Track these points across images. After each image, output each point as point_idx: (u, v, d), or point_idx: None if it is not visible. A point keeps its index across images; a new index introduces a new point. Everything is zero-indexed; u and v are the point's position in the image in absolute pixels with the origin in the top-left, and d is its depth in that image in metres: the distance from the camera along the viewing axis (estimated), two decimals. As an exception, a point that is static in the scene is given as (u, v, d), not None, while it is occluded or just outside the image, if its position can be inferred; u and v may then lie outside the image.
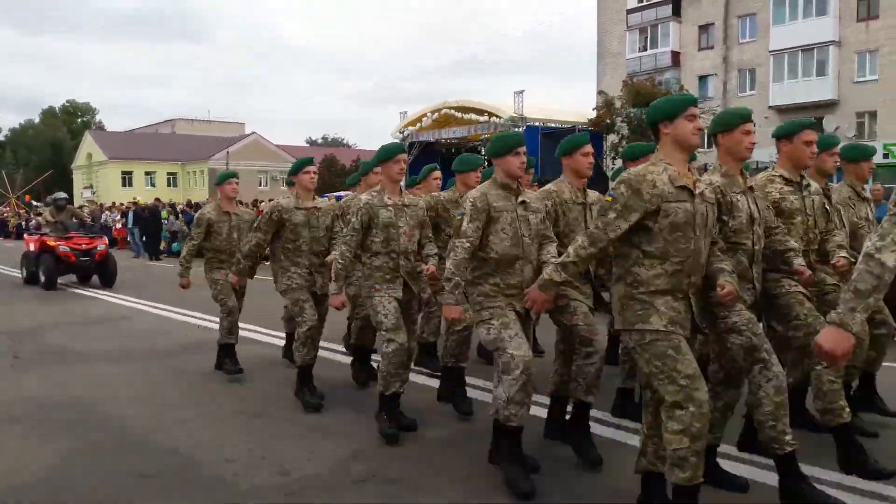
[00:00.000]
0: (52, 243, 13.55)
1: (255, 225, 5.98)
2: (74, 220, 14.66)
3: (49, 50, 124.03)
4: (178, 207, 25.40)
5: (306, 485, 4.06)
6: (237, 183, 7.09)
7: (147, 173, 63.42)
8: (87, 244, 13.84)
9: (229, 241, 6.74)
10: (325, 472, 4.23)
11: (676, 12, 37.65)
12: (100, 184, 62.49)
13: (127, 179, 61.98)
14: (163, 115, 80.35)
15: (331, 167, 53.04)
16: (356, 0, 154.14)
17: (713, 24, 36.64)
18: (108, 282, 14.07)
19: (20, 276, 14.68)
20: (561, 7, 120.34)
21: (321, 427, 5.05)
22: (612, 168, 26.62)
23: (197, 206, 23.14)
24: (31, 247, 14.40)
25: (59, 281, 14.00)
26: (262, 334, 8.70)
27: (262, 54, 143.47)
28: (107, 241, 14.78)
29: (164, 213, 24.02)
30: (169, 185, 63.03)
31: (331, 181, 49.01)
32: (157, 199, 26.80)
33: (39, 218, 18.87)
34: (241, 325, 9.21)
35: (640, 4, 38.61)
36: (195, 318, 10.01)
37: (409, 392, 5.91)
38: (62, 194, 15.51)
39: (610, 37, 40.65)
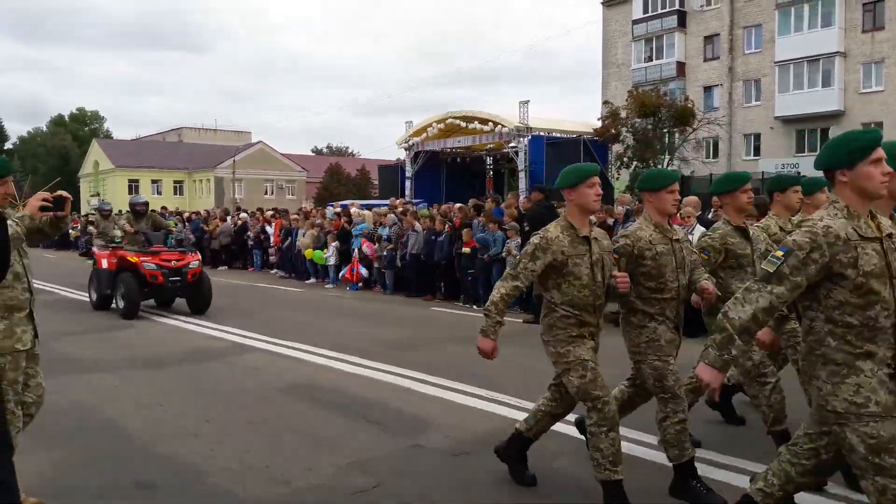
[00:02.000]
0: (133, 259, 10.94)
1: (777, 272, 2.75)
2: (160, 231, 11.82)
3: (52, 60, 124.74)
4: (185, 215, 25.45)
5: (306, 495, 4.05)
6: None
7: (154, 181, 63.63)
8: (177, 261, 11.06)
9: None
10: (325, 483, 4.22)
11: (682, 23, 37.73)
12: (107, 192, 62.67)
13: (133, 187, 62.11)
14: (169, 124, 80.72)
15: (336, 176, 53.19)
16: (353, 14, 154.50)
17: (718, 34, 36.70)
18: (200, 308, 11.24)
19: (87, 299, 12.14)
20: (566, 18, 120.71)
21: (322, 437, 5.05)
22: (617, 178, 26.66)
23: (206, 216, 23.03)
24: (104, 264, 11.58)
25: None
26: (261, 342, 8.70)
27: (262, 66, 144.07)
28: (200, 257, 11.84)
29: (172, 222, 24.07)
30: (175, 193, 63.26)
31: (336, 190, 49.17)
32: (164, 208, 26.87)
33: (92, 227, 15.91)
34: (239, 332, 9.29)
35: (646, 15, 38.70)
36: (197, 326, 10.02)
37: (411, 400, 5.91)
38: (141, 197, 12.60)
39: (615, 47, 40.76)
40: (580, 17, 72.87)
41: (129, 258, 11.03)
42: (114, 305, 11.38)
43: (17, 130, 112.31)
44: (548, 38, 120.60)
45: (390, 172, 31.29)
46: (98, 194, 62.96)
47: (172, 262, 10.98)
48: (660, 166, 26.00)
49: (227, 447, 4.83)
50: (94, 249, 13.16)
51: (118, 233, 12.93)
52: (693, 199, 10.65)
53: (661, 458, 4.59)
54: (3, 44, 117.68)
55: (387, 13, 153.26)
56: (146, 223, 11.82)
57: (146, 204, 12.25)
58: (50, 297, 13.68)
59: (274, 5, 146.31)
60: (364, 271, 15.02)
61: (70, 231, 31.46)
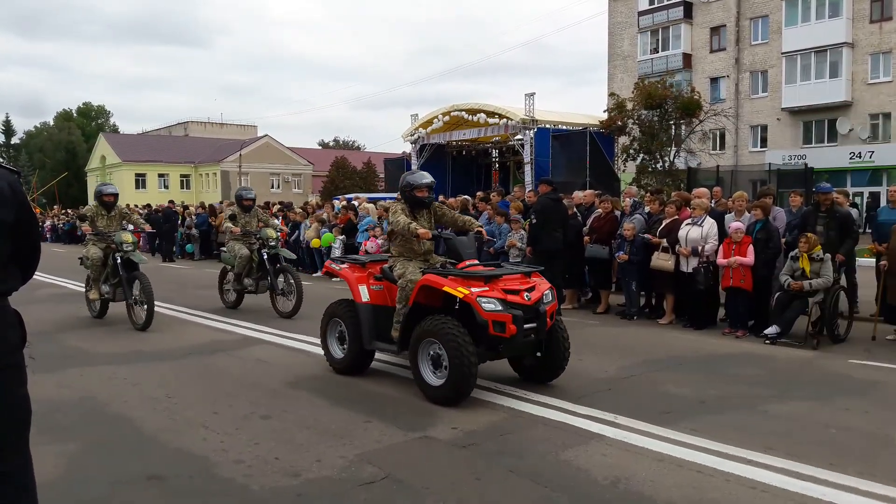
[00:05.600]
0: (461, 292, 5.71)
1: None
2: (464, 235, 6.58)
3: (53, 55, 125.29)
4: (192, 209, 25.52)
5: (316, 487, 4.07)
6: None
7: (160, 175, 63.84)
8: (528, 291, 5.90)
9: None
10: (334, 474, 4.24)
11: (688, 14, 37.55)
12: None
13: (140, 181, 62.40)
14: (174, 119, 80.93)
15: (342, 169, 53.26)
16: (355, 9, 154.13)
17: (725, 25, 36.52)
18: (552, 372, 6.32)
19: (324, 353, 7.06)
20: (570, 10, 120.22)
21: (331, 429, 5.07)
22: (623, 170, 26.58)
23: (211, 209, 23.11)
24: (366, 295, 6.61)
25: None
26: (270, 335, 8.74)
27: (266, 61, 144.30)
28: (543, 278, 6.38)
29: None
30: (182, 187, 63.44)
31: (342, 183, 49.22)
32: (171, 202, 26.95)
33: (230, 224, 10.83)
34: (248, 325, 9.32)
35: (652, 6, 38.53)
36: (207, 319, 10.06)
37: (419, 393, 5.93)
38: (423, 177, 6.60)
39: (621, 39, 40.60)
40: (585, 9, 72.61)
41: (446, 287, 5.80)
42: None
43: (20, 125, 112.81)
44: (552, 32, 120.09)
45: (396, 165, 31.29)
46: (105, 188, 63.12)
47: (524, 295, 5.83)
48: (667, 158, 25.94)
49: (237, 439, 4.86)
50: (332, 265, 7.25)
51: (272, 232, 10.65)
52: (703, 190, 10.62)
53: (664, 447, 4.60)
54: (5, 39, 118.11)
55: (389, 7, 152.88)
56: (429, 218, 6.66)
57: (430, 184, 6.58)
58: (57, 290, 13.76)
59: (275, 1, 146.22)
60: (369, 264, 15.03)
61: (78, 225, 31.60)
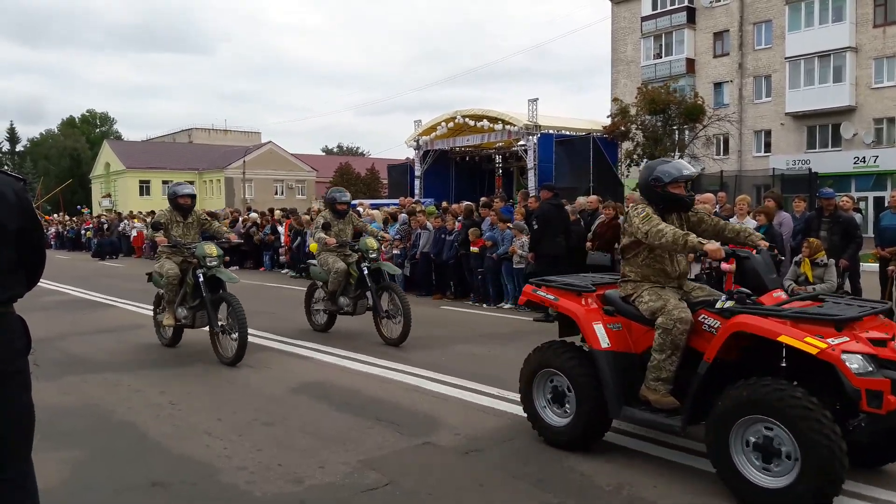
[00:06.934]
0: (809, 345, 3.64)
1: None
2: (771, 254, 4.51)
3: (55, 62, 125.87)
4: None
5: (319, 493, 4.07)
6: None
7: (164, 182, 63.88)
8: (889, 334, 3.84)
9: None
10: (337, 481, 4.24)
11: (691, 19, 37.58)
12: (118, 193, 63.12)
13: (145, 188, 62.55)
14: (177, 126, 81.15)
15: (345, 176, 53.33)
16: (355, 15, 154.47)
17: (728, 30, 36.53)
18: (890, 453, 4.26)
19: (528, 417, 5.08)
20: (571, 15, 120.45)
21: (333, 436, 5.07)
22: (627, 175, 26.60)
23: (212, 215, 23.13)
24: (604, 338, 4.54)
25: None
26: (272, 340, 8.74)
27: (268, 68, 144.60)
28: None
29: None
30: (186, 193, 63.58)
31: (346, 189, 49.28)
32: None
33: (323, 235, 8.94)
34: (251, 331, 9.30)
35: (655, 12, 38.56)
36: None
37: (422, 399, 5.93)
38: (681, 167, 4.61)
39: (624, 44, 40.64)
40: (588, 14, 72.83)
41: (784, 337, 3.77)
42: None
43: (22, 132, 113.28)
44: (555, 37, 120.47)
45: (400, 171, 31.38)
46: (109, 195, 63.47)
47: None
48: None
49: (240, 446, 4.86)
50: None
51: (373, 242, 8.76)
52: (709, 196, 10.62)
53: (669, 453, 4.58)
54: (6, 47, 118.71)
55: (390, 12, 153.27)
56: (681, 225, 4.70)
57: (688, 181, 4.73)
58: (61, 297, 13.79)
59: (275, 8, 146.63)
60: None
61: (83, 232, 31.72)
